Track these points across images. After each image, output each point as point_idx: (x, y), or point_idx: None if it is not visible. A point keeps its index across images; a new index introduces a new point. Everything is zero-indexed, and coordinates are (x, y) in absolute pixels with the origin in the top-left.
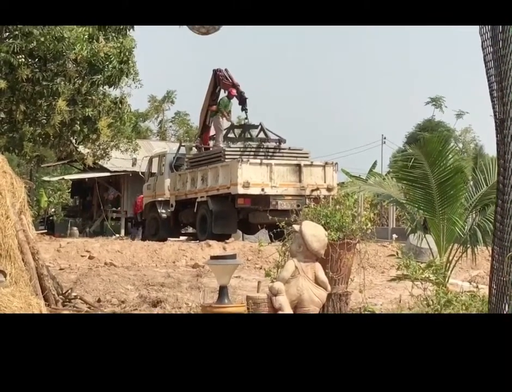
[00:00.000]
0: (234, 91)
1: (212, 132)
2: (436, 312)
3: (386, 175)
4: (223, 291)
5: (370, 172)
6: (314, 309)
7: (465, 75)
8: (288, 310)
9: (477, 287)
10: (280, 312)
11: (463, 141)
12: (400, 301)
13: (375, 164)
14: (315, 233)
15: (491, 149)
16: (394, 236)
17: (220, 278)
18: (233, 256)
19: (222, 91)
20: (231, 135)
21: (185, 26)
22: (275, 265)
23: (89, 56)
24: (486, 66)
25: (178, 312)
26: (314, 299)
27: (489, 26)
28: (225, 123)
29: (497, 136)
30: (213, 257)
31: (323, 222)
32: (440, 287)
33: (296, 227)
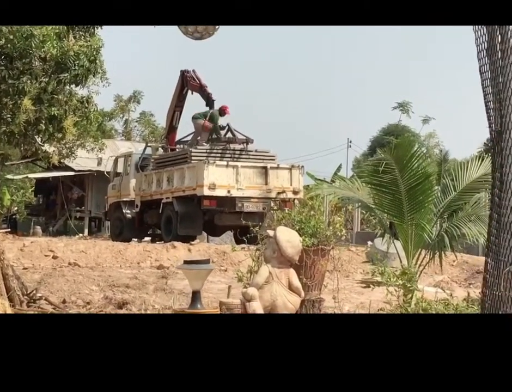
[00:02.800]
0: (229, 110)
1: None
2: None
3: (351, 178)
4: (195, 296)
5: (334, 176)
6: None
7: (431, 80)
8: None
9: (451, 295)
10: None
11: (427, 146)
12: (382, 309)
13: (339, 167)
14: (289, 239)
15: (456, 154)
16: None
17: (193, 283)
18: (206, 261)
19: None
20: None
21: (158, 26)
22: (248, 270)
23: (59, 54)
24: (481, 77)
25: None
26: (287, 305)
27: (486, 36)
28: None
29: (493, 148)
30: (186, 262)
31: (297, 228)
32: (414, 293)
33: (271, 232)
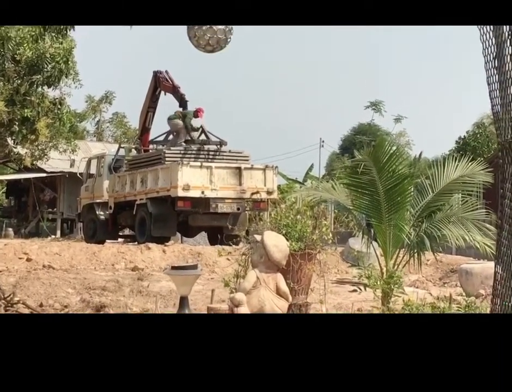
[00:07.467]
0: (202, 114)
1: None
2: None
3: (323, 177)
4: (183, 302)
5: (306, 175)
6: None
7: (402, 79)
8: None
9: (437, 298)
10: None
11: (398, 145)
12: (360, 309)
13: (311, 167)
14: (276, 243)
15: (426, 153)
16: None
17: (181, 288)
18: (194, 266)
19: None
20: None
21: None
22: (234, 275)
23: (34, 57)
24: (489, 88)
25: None
26: (275, 309)
27: (495, 47)
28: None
29: (502, 159)
30: (174, 267)
31: (284, 232)
32: (405, 298)
33: (258, 237)
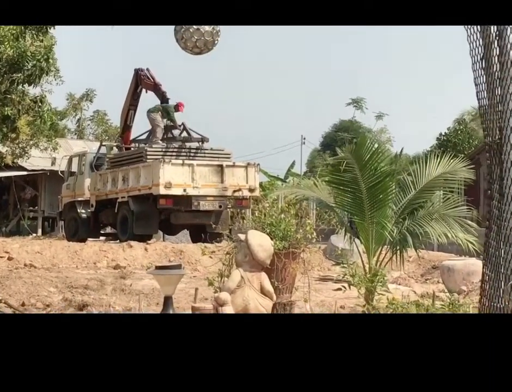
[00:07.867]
0: (183, 108)
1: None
2: None
3: (305, 174)
4: (167, 302)
5: (288, 173)
6: None
7: (385, 77)
8: None
9: (422, 296)
10: None
11: (379, 142)
12: (342, 307)
13: (293, 164)
14: (261, 242)
15: (407, 150)
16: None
17: (165, 288)
18: (178, 266)
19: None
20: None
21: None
22: (219, 274)
23: (15, 55)
24: (476, 88)
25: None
26: (260, 309)
27: (483, 48)
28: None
29: (490, 160)
30: (158, 267)
31: (268, 231)
32: (389, 296)
33: (242, 236)
